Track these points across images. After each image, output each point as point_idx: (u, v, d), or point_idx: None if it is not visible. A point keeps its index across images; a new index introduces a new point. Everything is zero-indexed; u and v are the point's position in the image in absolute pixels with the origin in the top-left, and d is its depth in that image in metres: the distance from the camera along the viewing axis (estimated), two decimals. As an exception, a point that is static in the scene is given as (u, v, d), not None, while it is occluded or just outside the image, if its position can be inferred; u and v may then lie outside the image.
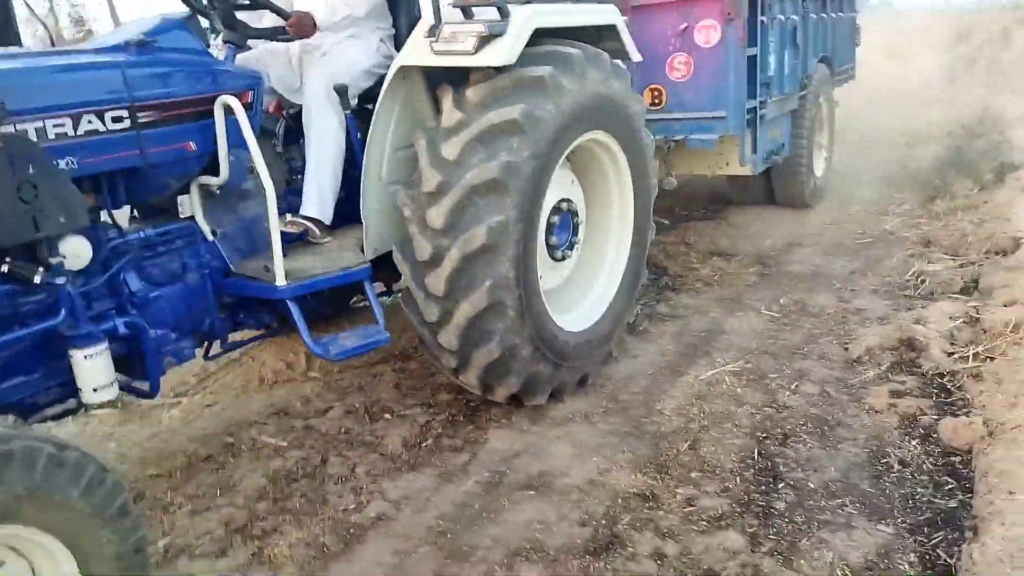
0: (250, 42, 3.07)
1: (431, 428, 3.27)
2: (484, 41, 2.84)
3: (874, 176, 7.21)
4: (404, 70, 3.04)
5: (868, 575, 2.25)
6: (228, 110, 2.69)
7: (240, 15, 3.02)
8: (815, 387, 3.42)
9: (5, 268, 2.21)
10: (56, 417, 2.54)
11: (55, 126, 2.30)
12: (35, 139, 2.24)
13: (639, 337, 4.09)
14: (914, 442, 2.91)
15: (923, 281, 4.45)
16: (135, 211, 2.92)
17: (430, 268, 2.88)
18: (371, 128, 3.07)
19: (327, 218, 3.17)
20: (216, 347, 3.21)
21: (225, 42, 2.95)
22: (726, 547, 2.39)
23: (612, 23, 3.51)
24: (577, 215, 3.53)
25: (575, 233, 3.54)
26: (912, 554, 2.31)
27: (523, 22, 2.92)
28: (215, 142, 2.74)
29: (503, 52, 2.85)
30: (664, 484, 2.76)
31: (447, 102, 2.99)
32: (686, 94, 4.81)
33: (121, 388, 2.58)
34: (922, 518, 2.49)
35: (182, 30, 2.76)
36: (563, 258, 3.49)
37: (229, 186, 2.83)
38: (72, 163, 2.35)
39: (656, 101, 4.90)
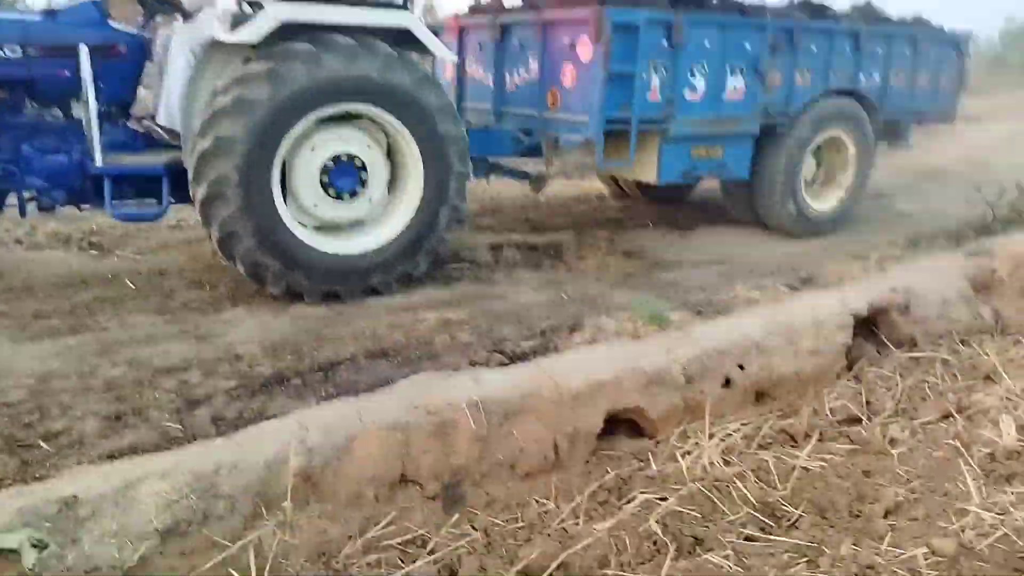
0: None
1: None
2: (236, 22, 3.98)
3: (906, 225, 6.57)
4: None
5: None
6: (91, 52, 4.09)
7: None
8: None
9: None
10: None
11: None
12: None
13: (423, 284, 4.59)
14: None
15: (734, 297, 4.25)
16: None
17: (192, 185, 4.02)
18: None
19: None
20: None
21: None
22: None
23: (405, 26, 4.30)
24: (364, 168, 4.30)
25: (360, 181, 4.32)
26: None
27: (271, 13, 3.94)
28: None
29: (251, 33, 3.93)
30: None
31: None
32: (570, 99, 5.26)
33: None
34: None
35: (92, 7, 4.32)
36: (340, 197, 4.29)
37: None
38: None
39: (553, 102, 5.39)
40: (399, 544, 2.27)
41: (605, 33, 4.92)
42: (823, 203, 6.43)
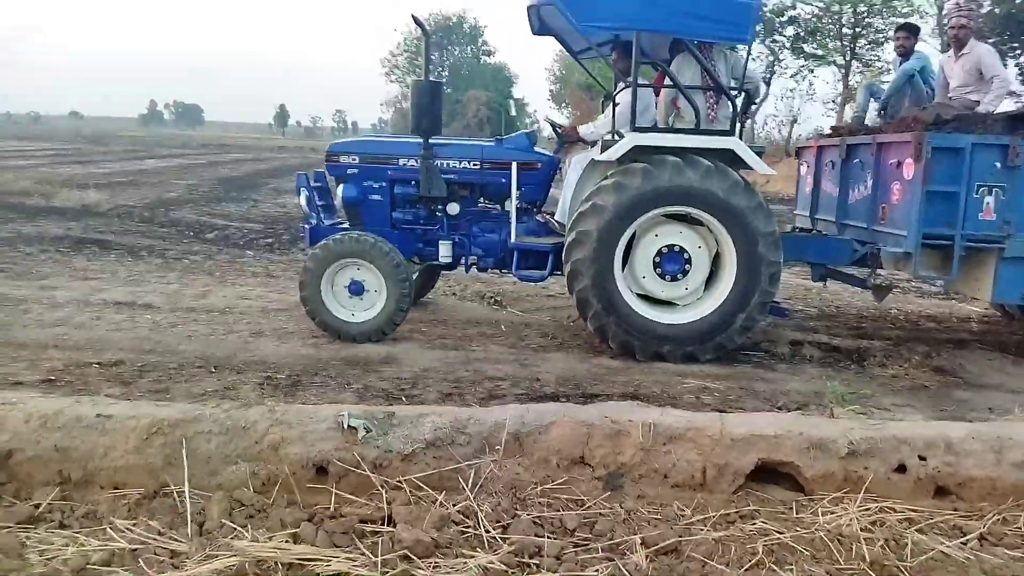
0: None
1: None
2: (606, 147, 5.54)
3: None
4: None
5: None
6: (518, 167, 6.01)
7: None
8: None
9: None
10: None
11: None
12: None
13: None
14: None
15: None
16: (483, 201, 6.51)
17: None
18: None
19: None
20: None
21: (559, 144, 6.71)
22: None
23: (728, 147, 5.47)
24: (687, 254, 5.58)
25: (687, 263, 5.62)
26: None
27: (627, 141, 5.42)
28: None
29: (611, 154, 5.46)
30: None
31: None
32: (896, 214, 5.62)
33: None
34: None
35: (524, 138, 6.29)
36: (673, 279, 5.62)
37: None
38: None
39: (883, 216, 5.78)
40: (565, 499, 3.30)
41: (925, 154, 5.26)
42: None
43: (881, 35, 32.90)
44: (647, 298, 5.67)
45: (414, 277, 6.30)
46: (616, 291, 5.47)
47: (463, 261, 6.28)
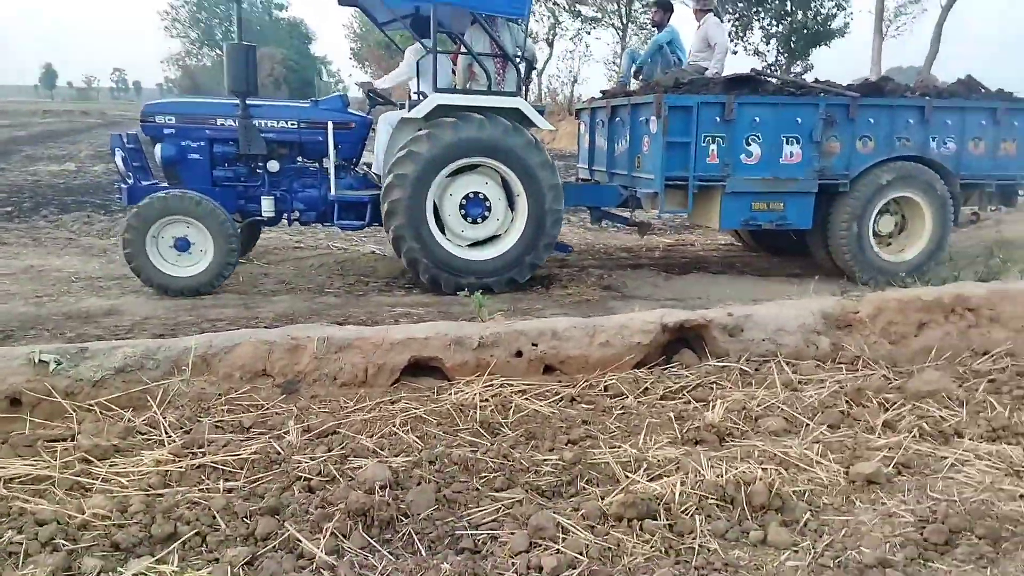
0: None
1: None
2: (413, 106, 6.36)
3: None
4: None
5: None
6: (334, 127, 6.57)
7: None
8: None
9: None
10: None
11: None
12: None
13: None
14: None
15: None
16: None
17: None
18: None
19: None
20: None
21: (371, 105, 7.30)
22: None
23: (516, 106, 6.32)
24: (487, 200, 6.41)
25: (488, 210, 6.47)
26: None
27: (431, 100, 6.24)
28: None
29: (418, 111, 6.27)
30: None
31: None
32: (646, 162, 6.90)
33: None
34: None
35: (339, 99, 6.99)
36: (475, 222, 6.46)
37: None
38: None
39: (637, 165, 7.13)
40: (246, 405, 3.91)
41: (664, 112, 6.48)
42: (900, 255, 7.25)
43: (653, 0, 35.82)
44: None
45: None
46: (428, 229, 6.25)
47: (285, 216, 6.75)
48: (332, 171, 6.55)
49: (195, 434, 3.54)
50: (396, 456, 3.37)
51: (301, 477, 3.17)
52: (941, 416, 3.85)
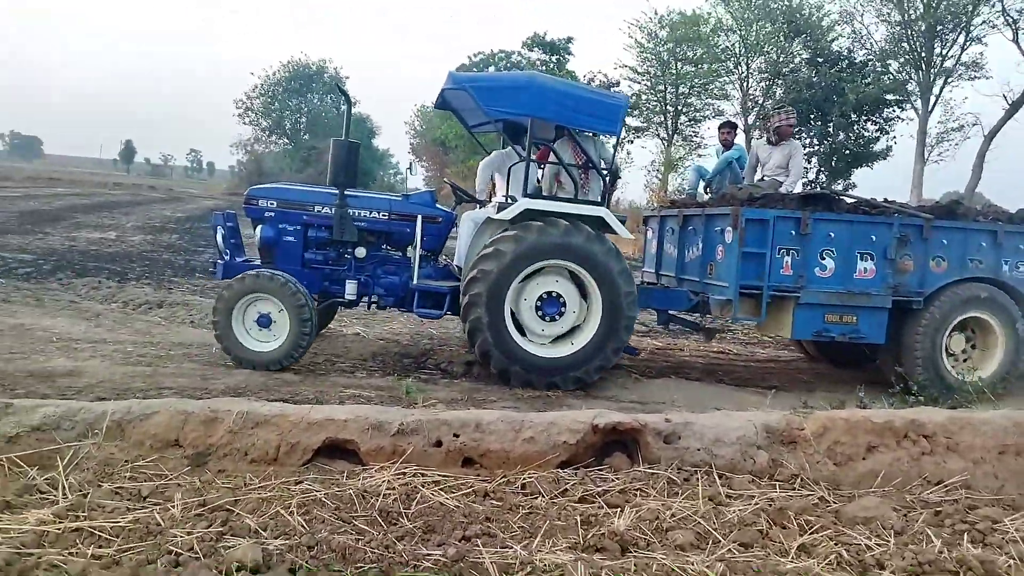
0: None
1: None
2: (501, 208, 6.61)
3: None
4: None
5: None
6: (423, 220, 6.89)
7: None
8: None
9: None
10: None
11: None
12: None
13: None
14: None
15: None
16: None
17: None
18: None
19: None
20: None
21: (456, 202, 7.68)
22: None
23: (599, 215, 6.66)
24: (562, 298, 6.60)
25: (563, 306, 6.63)
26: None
27: (520, 204, 6.51)
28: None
29: (506, 214, 6.54)
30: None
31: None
32: (720, 270, 7.18)
33: None
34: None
35: (429, 195, 7.28)
36: (553, 320, 6.63)
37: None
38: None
39: (710, 271, 7.32)
40: (150, 473, 3.89)
41: (741, 224, 6.72)
42: (974, 373, 7.14)
43: (699, 113, 36.90)
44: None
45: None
46: (504, 324, 6.41)
47: (365, 299, 7.07)
48: (416, 261, 6.86)
49: (87, 498, 3.54)
50: (276, 538, 3.30)
51: (172, 551, 3.12)
52: (867, 545, 3.61)
